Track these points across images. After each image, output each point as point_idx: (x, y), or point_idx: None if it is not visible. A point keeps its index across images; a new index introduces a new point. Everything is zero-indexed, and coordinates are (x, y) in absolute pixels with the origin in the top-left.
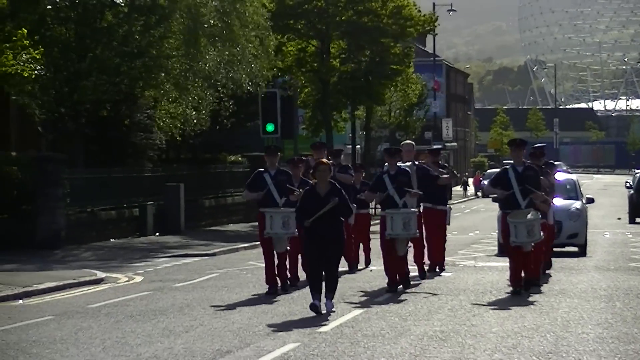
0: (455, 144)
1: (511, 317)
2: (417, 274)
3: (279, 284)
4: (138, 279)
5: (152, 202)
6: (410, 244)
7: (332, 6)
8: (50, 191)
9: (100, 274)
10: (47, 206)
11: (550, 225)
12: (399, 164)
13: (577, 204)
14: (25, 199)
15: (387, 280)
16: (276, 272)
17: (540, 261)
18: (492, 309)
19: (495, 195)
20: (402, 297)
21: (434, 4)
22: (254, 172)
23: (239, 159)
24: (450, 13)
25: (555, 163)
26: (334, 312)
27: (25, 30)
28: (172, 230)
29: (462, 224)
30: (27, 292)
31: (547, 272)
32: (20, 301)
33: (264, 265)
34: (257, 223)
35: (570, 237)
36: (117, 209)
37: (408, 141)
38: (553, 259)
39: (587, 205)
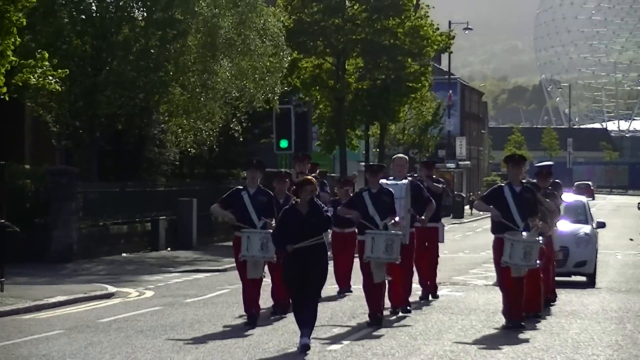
0: (468, 162)
1: (521, 337)
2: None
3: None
4: (149, 293)
5: (164, 217)
6: (388, 277)
7: (349, 23)
8: (63, 204)
9: (111, 289)
10: (60, 219)
11: (553, 253)
12: (388, 181)
13: (586, 229)
14: (39, 212)
15: (368, 313)
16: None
17: (539, 291)
18: (502, 329)
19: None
20: (413, 315)
21: (449, 22)
22: (232, 189)
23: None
24: (467, 32)
25: (588, 182)
26: (309, 349)
27: (47, 54)
28: (184, 245)
29: (474, 243)
30: (38, 306)
31: (550, 305)
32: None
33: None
34: None
35: (577, 265)
36: (130, 223)
37: (401, 155)
38: (558, 290)
39: (598, 230)
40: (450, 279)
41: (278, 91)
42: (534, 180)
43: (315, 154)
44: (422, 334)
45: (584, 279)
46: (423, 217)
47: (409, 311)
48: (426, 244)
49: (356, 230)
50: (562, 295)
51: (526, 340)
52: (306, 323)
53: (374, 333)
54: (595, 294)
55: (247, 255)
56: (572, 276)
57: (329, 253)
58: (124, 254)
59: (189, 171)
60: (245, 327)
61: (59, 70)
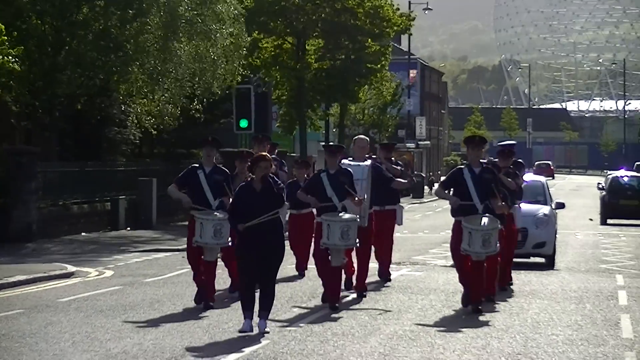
0: (428, 142)
1: (481, 318)
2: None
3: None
4: (108, 273)
5: (124, 197)
6: (345, 257)
7: (309, 3)
8: (23, 184)
9: (71, 268)
10: (19, 199)
11: (514, 231)
12: (348, 161)
13: (545, 210)
14: None
15: (322, 294)
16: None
17: (495, 274)
18: (462, 309)
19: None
20: (373, 295)
21: (409, 2)
22: (188, 167)
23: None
24: (426, 12)
25: (548, 162)
26: (267, 332)
27: (3, 27)
28: (144, 225)
29: (434, 223)
30: None
31: (508, 286)
32: None
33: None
34: None
35: (536, 246)
36: (90, 203)
37: (362, 136)
38: (514, 272)
39: (557, 210)
40: (410, 258)
41: (237, 78)
42: (496, 160)
43: (275, 134)
44: (382, 313)
45: (543, 260)
46: (358, 196)
47: (364, 295)
48: (385, 227)
49: (314, 211)
50: (522, 275)
51: (486, 321)
52: (264, 305)
53: (333, 314)
54: (555, 274)
55: (200, 241)
56: (531, 257)
57: (285, 233)
58: (83, 234)
59: (148, 151)
60: (202, 310)
61: (16, 48)
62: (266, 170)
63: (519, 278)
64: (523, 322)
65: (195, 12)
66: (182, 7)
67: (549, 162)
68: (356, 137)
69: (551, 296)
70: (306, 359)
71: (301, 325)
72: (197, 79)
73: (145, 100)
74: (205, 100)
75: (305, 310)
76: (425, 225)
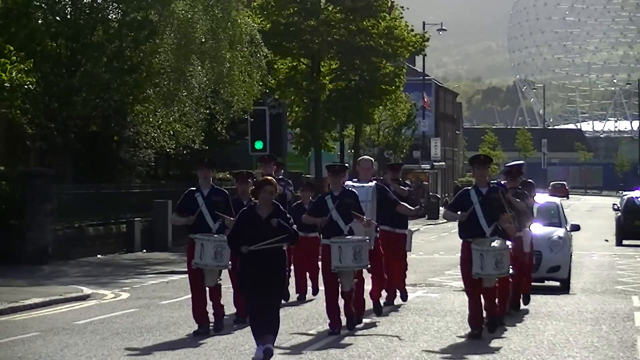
0: (443, 163)
1: (497, 339)
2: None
3: (211, 322)
4: (124, 295)
5: (139, 219)
6: (355, 278)
7: (324, 25)
8: (38, 206)
9: (87, 290)
10: (35, 221)
11: (528, 253)
12: (352, 183)
13: (559, 232)
14: (13, 214)
15: (328, 322)
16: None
17: (506, 296)
18: (468, 337)
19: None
20: (390, 317)
21: (424, 23)
22: (185, 191)
23: (227, 175)
24: (440, 32)
25: (562, 182)
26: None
27: (12, 47)
28: (160, 247)
29: (450, 244)
30: (14, 308)
31: (526, 306)
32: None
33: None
34: None
35: (550, 270)
36: (105, 225)
37: (366, 157)
38: (533, 292)
39: (572, 232)
40: (426, 280)
41: (257, 95)
42: (504, 181)
43: (291, 155)
44: (398, 335)
45: (557, 284)
46: (364, 217)
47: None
48: (396, 250)
49: (320, 235)
50: (538, 296)
51: (502, 343)
52: (268, 329)
53: (350, 335)
54: (571, 295)
55: (199, 263)
56: (546, 281)
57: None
58: (99, 256)
59: (164, 172)
60: (195, 338)
61: (27, 62)
62: (271, 195)
63: (535, 299)
64: (539, 343)
65: (210, 35)
66: (196, 32)
67: (564, 183)
68: (360, 157)
69: (567, 318)
70: None
71: (318, 348)
72: (213, 99)
73: (160, 121)
74: (225, 121)
75: (321, 333)
76: (440, 247)
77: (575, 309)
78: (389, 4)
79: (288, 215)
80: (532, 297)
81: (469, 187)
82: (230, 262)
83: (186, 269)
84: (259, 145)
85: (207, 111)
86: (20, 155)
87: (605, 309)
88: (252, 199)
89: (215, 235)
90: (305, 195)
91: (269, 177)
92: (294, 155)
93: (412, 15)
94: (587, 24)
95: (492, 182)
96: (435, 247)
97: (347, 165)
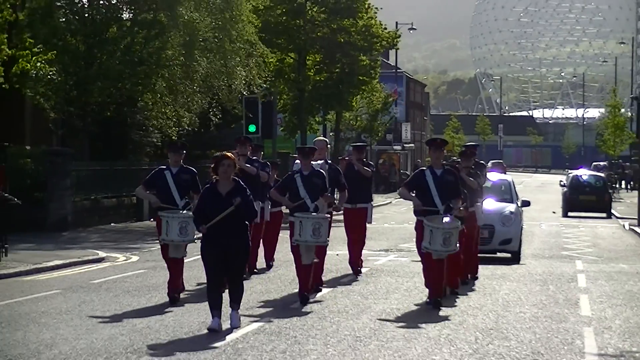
0: (413, 145)
1: (458, 297)
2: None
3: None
4: (134, 258)
5: (148, 192)
6: (316, 258)
7: (309, 24)
8: (59, 181)
9: (102, 254)
10: (56, 194)
11: (477, 227)
12: (312, 162)
13: (511, 207)
14: (38, 188)
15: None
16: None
17: (460, 270)
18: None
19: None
20: (365, 278)
21: (397, 22)
22: (155, 168)
23: (251, 157)
24: (411, 31)
25: (500, 160)
26: (238, 327)
27: (33, 40)
28: None
29: None
30: (38, 269)
31: (473, 278)
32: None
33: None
34: None
35: (502, 243)
36: (117, 197)
37: (321, 138)
38: (484, 268)
39: (523, 208)
40: (397, 246)
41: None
42: (458, 160)
43: (280, 138)
44: (372, 294)
45: (508, 256)
46: (337, 206)
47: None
48: (357, 225)
49: (284, 210)
50: (493, 260)
51: (462, 300)
52: (233, 298)
53: (330, 293)
54: (522, 259)
55: (166, 239)
56: (497, 253)
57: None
58: (112, 224)
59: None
60: (170, 306)
61: (49, 54)
62: (230, 169)
63: (491, 263)
64: (495, 301)
65: (212, 34)
66: (201, 31)
67: (501, 160)
68: (315, 139)
69: (519, 279)
70: (306, 332)
71: (297, 307)
72: (218, 87)
73: (167, 108)
74: (220, 106)
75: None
76: (410, 217)
77: (526, 271)
78: (366, 6)
79: (248, 192)
80: (488, 262)
81: (424, 168)
82: (195, 238)
83: None
84: (252, 128)
85: (207, 99)
86: (43, 137)
87: (552, 272)
88: (213, 175)
89: (181, 212)
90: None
91: (228, 153)
92: (283, 138)
93: (386, 15)
94: (539, 25)
95: (444, 163)
96: (405, 218)
97: (315, 147)
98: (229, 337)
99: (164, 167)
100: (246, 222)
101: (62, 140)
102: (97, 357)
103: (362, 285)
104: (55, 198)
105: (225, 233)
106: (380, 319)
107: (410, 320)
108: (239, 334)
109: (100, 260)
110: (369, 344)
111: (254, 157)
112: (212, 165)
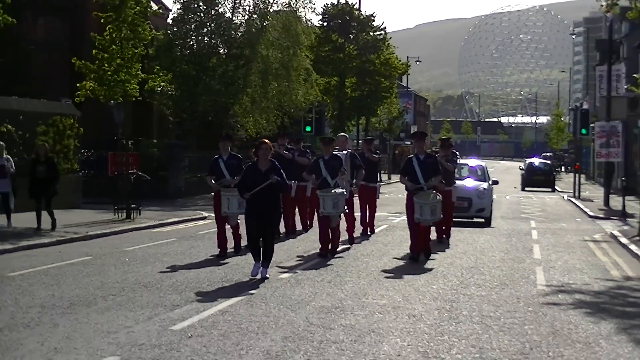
0: None
1: (448, 245)
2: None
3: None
4: None
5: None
6: (342, 216)
7: (347, 57)
8: (176, 164)
9: (204, 214)
10: (173, 173)
11: (452, 203)
12: (336, 152)
13: (484, 185)
14: (161, 168)
15: (320, 247)
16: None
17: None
18: (431, 241)
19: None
20: (384, 231)
21: (407, 57)
22: (213, 159)
23: (288, 146)
24: (417, 62)
25: (455, 152)
26: (267, 278)
27: (158, 67)
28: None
29: None
30: (161, 224)
31: (447, 238)
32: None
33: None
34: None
35: (478, 211)
36: None
37: (342, 134)
38: (466, 228)
39: (493, 186)
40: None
41: (316, 97)
42: (438, 150)
43: (327, 135)
44: (390, 242)
45: (482, 220)
46: (354, 185)
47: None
48: (369, 197)
49: (310, 186)
50: (472, 224)
51: (450, 247)
52: (265, 257)
53: (361, 244)
54: (494, 220)
55: (228, 212)
56: (474, 219)
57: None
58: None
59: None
60: (218, 259)
61: (169, 76)
62: (267, 152)
63: (470, 226)
64: (474, 248)
65: (281, 65)
66: (272, 62)
67: (457, 152)
68: (338, 134)
69: (491, 233)
70: (345, 269)
71: (318, 260)
72: (287, 104)
73: (248, 117)
74: (287, 115)
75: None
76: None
77: (496, 228)
78: (386, 44)
79: (282, 171)
80: (468, 225)
81: (411, 156)
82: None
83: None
84: (308, 128)
85: (277, 112)
86: (165, 134)
87: (514, 228)
88: (254, 156)
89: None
90: (327, 150)
91: (266, 140)
92: (329, 135)
93: (400, 51)
94: (506, 58)
95: (428, 150)
96: (380, 200)
97: (333, 138)
98: (286, 275)
99: (217, 156)
100: (279, 195)
101: (178, 136)
102: (201, 283)
103: (383, 237)
104: (173, 176)
105: (262, 201)
106: (395, 258)
107: (400, 267)
108: (299, 269)
109: (203, 218)
110: (388, 276)
111: (291, 147)
112: (254, 150)
